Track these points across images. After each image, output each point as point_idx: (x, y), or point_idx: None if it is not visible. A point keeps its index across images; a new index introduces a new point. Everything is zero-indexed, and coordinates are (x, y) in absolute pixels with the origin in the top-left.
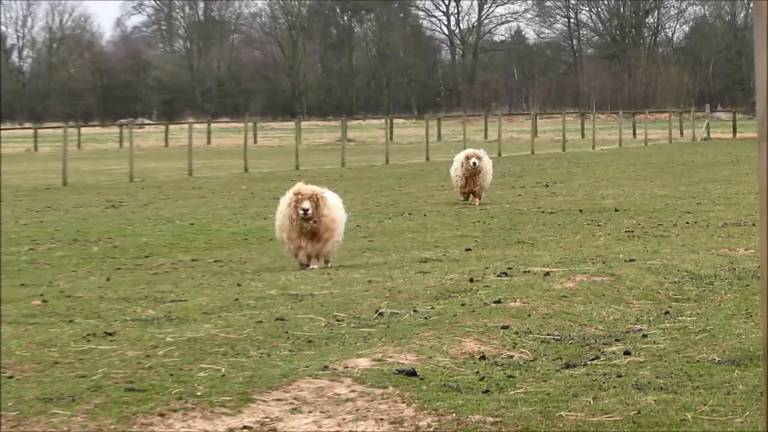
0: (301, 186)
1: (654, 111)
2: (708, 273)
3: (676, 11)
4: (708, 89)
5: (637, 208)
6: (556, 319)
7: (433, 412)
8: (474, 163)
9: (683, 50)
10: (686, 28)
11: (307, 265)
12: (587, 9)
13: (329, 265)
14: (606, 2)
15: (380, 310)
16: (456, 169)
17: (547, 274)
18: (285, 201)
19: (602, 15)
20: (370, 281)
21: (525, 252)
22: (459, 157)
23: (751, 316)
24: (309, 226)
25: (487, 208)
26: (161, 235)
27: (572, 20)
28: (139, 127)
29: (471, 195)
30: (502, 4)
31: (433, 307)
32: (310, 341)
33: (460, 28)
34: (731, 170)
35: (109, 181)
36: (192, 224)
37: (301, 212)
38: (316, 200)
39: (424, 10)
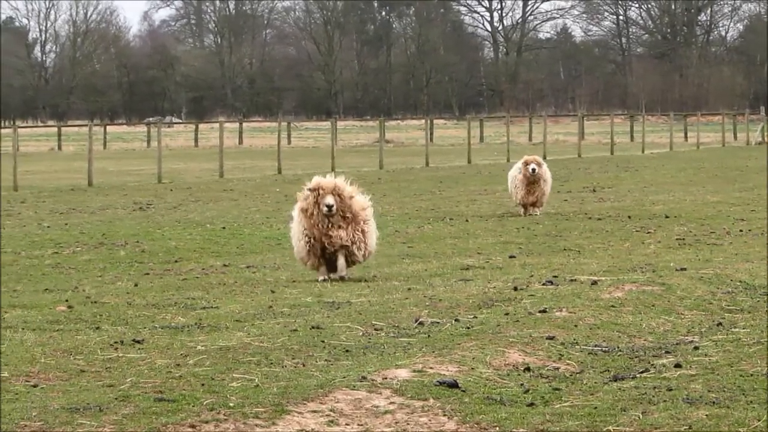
0: (320, 179)
1: (706, 113)
2: (762, 283)
3: (730, 9)
4: (763, 90)
5: (688, 215)
6: (604, 330)
7: (475, 425)
8: (533, 170)
9: (737, 49)
10: (741, 26)
11: (332, 275)
12: (637, 6)
13: (346, 277)
14: None
15: (420, 319)
16: (514, 178)
17: (594, 282)
18: (302, 201)
19: (653, 12)
20: (409, 289)
21: (571, 260)
22: (517, 165)
23: None
24: (332, 223)
25: (532, 213)
26: (191, 239)
27: (621, 17)
28: (167, 125)
29: (531, 206)
30: (547, 0)
31: (475, 317)
32: (347, 351)
33: (503, 24)
34: None
35: (136, 182)
36: (223, 228)
37: (325, 209)
38: (339, 194)
39: (465, 6)
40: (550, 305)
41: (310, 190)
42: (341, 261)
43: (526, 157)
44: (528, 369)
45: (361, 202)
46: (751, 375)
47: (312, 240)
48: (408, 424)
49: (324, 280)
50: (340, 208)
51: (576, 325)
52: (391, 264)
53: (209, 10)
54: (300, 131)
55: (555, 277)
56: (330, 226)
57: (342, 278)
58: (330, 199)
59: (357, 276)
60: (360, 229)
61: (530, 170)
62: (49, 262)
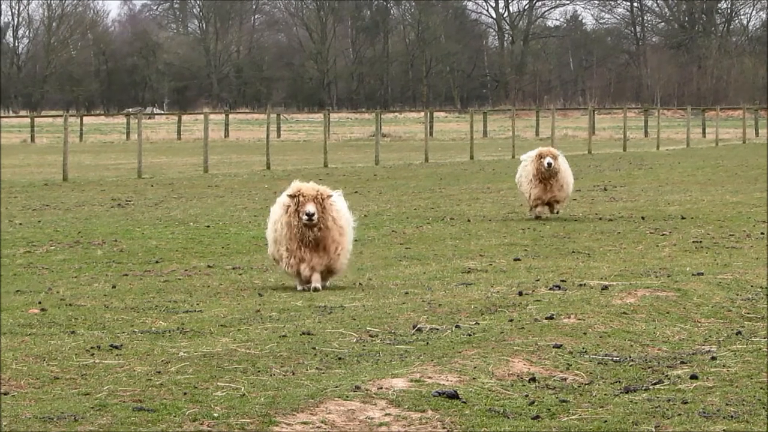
0: (300, 185)
1: (726, 107)
2: None
3: None
4: None
5: (706, 216)
6: (615, 338)
7: None
8: (549, 164)
9: (759, 40)
10: (763, 14)
11: (308, 285)
12: None
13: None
14: None
15: (418, 325)
16: (523, 173)
17: (605, 287)
18: (280, 205)
19: None
20: (407, 293)
21: (580, 263)
22: (528, 156)
23: None
24: (313, 234)
25: (541, 215)
26: (173, 238)
27: (635, 4)
28: (148, 117)
29: (546, 206)
30: None
31: (477, 323)
32: (339, 358)
33: (509, 11)
34: None
35: (114, 177)
36: (208, 226)
37: (305, 218)
38: (321, 201)
39: None
40: (558, 311)
41: (289, 196)
42: (316, 281)
43: (540, 149)
44: (533, 379)
45: (339, 225)
46: None
47: (292, 260)
48: None
49: (304, 286)
50: (322, 218)
51: (585, 333)
52: (387, 266)
53: None
54: (290, 124)
55: (563, 281)
56: (308, 243)
57: (316, 289)
58: (311, 207)
59: (350, 279)
60: (331, 258)
61: (546, 164)
62: (21, 261)
